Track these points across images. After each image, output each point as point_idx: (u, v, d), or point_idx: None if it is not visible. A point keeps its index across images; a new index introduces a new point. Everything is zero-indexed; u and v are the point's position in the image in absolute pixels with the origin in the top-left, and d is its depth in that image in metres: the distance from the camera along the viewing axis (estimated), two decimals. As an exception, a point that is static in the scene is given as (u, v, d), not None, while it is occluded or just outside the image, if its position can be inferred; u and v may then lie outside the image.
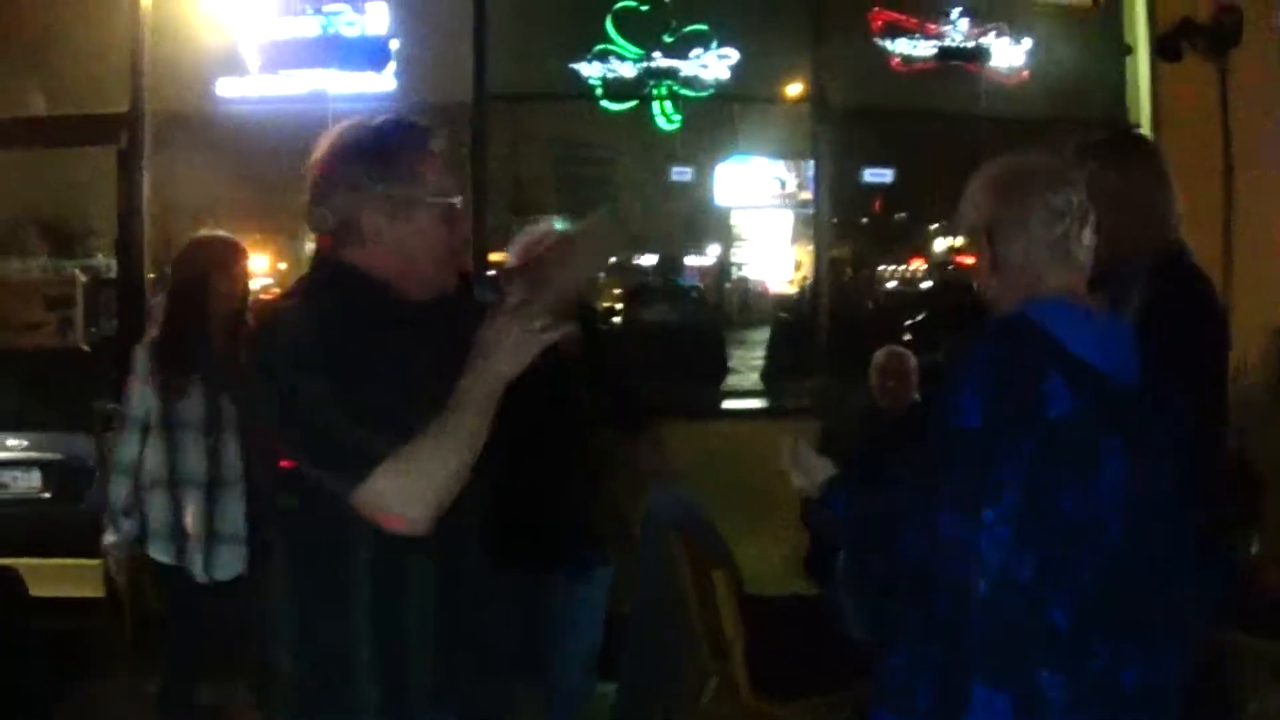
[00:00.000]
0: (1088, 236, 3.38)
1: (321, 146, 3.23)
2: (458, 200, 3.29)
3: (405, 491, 2.95)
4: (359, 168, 3.16)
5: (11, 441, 8.66)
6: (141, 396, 5.76)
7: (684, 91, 10.09)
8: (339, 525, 3.08)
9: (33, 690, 6.05)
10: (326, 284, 3.24)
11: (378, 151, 3.19)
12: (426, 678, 3.24)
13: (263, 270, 18.36)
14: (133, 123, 9.03)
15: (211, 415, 5.71)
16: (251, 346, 3.27)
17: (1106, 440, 3.20)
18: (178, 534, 5.73)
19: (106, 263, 10.58)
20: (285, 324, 3.17)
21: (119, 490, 5.77)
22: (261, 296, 16.65)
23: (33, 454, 9.02)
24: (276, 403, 3.07)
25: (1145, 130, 9.89)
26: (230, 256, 5.82)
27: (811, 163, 10.85)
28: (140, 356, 5.81)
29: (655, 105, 10.18)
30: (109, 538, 5.80)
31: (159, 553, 5.76)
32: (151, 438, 5.76)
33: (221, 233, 6.00)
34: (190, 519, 5.70)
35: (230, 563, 5.74)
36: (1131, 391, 3.28)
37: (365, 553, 3.12)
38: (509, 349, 2.97)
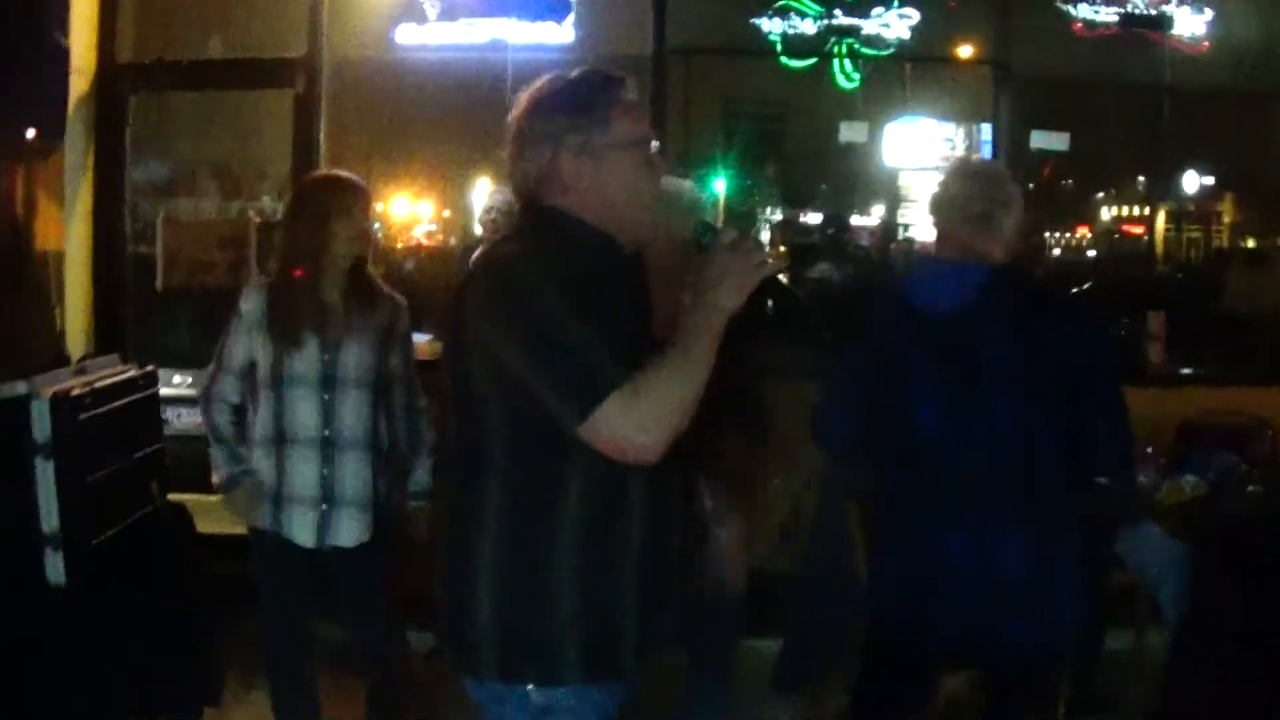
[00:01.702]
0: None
1: (521, 100, 3.30)
2: (655, 146, 3.34)
3: (638, 417, 2.97)
4: (558, 118, 3.24)
5: (177, 379, 8.70)
6: (248, 345, 5.37)
7: (864, 50, 9.96)
8: (553, 469, 3.12)
9: (199, 626, 6.07)
10: (543, 225, 3.28)
11: (575, 101, 3.26)
12: (630, 635, 3.23)
13: (429, 217, 18.50)
14: (310, 68, 9.06)
15: (327, 370, 5.32)
16: (473, 289, 3.23)
17: (912, 352, 4.38)
18: (280, 498, 5.37)
19: (275, 206, 10.62)
20: (514, 262, 3.19)
21: (225, 419, 5.47)
22: (423, 242, 16.93)
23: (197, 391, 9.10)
24: (505, 333, 3.08)
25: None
26: (353, 199, 5.37)
27: (987, 126, 10.68)
28: (248, 302, 5.40)
29: (835, 63, 10.06)
30: (222, 473, 5.46)
31: (257, 519, 5.43)
32: (259, 393, 5.40)
33: (344, 173, 5.60)
34: (299, 482, 5.35)
35: (350, 529, 5.38)
36: (942, 320, 4.35)
37: (576, 502, 3.13)
38: (731, 282, 3.05)
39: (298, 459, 5.33)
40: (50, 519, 5.31)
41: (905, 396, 4.40)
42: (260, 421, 5.40)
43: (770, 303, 5.02)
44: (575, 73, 3.33)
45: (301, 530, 5.36)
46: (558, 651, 3.16)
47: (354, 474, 5.37)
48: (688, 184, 5.20)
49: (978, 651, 4.41)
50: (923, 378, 4.38)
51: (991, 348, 4.32)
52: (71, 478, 5.34)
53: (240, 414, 5.50)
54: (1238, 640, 5.47)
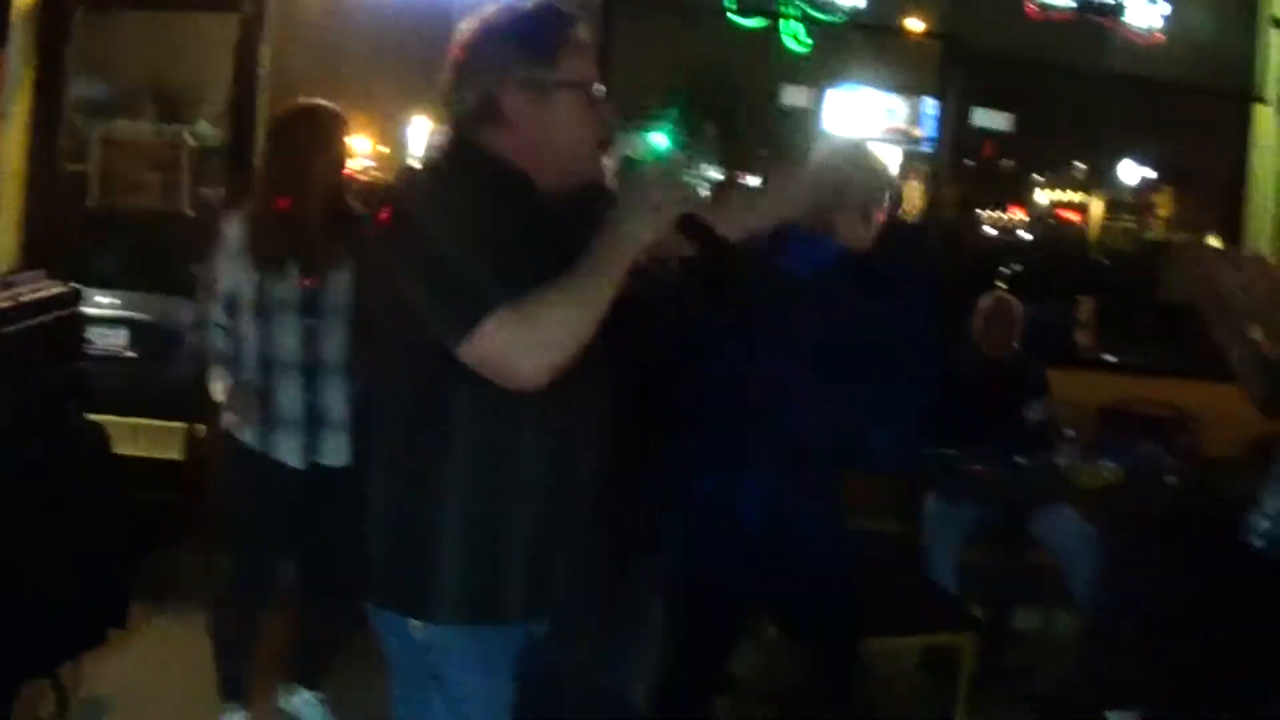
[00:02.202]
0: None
1: (465, 29, 3.23)
2: (600, 88, 3.26)
3: (518, 340, 2.90)
4: (502, 49, 3.17)
5: (101, 299, 8.64)
6: (231, 272, 5.48)
7: (816, 14, 9.93)
8: (439, 397, 3.07)
9: (109, 548, 6.02)
10: (465, 163, 3.23)
11: (521, 34, 3.19)
12: (518, 578, 3.19)
13: (364, 152, 18.42)
14: (258, -8, 8.95)
15: (309, 297, 5.44)
16: (383, 210, 3.19)
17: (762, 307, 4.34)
18: (266, 420, 5.49)
19: (211, 131, 10.55)
20: (421, 187, 3.22)
21: (222, 342, 5.53)
22: (359, 177, 16.87)
23: (122, 313, 9.02)
24: (402, 254, 3.04)
25: (1272, 106, 9.74)
26: (331, 128, 5.50)
27: (931, 100, 10.69)
28: (234, 229, 5.49)
29: (784, 25, 10.03)
30: (220, 384, 5.54)
31: (246, 437, 5.52)
32: (242, 320, 5.50)
33: (321, 101, 5.63)
34: (285, 405, 5.47)
35: (335, 449, 5.50)
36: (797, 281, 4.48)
37: (466, 429, 3.09)
38: (646, 209, 3.00)
39: (282, 383, 5.47)
40: (-35, 436, 5.26)
41: None
42: (245, 346, 5.50)
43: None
44: (527, 5, 3.25)
45: (289, 451, 5.49)
46: (438, 588, 3.13)
47: (338, 397, 5.50)
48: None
49: None
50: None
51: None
52: (-10, 392, 5.29)
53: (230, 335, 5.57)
54: (1145, 626, 5.52)
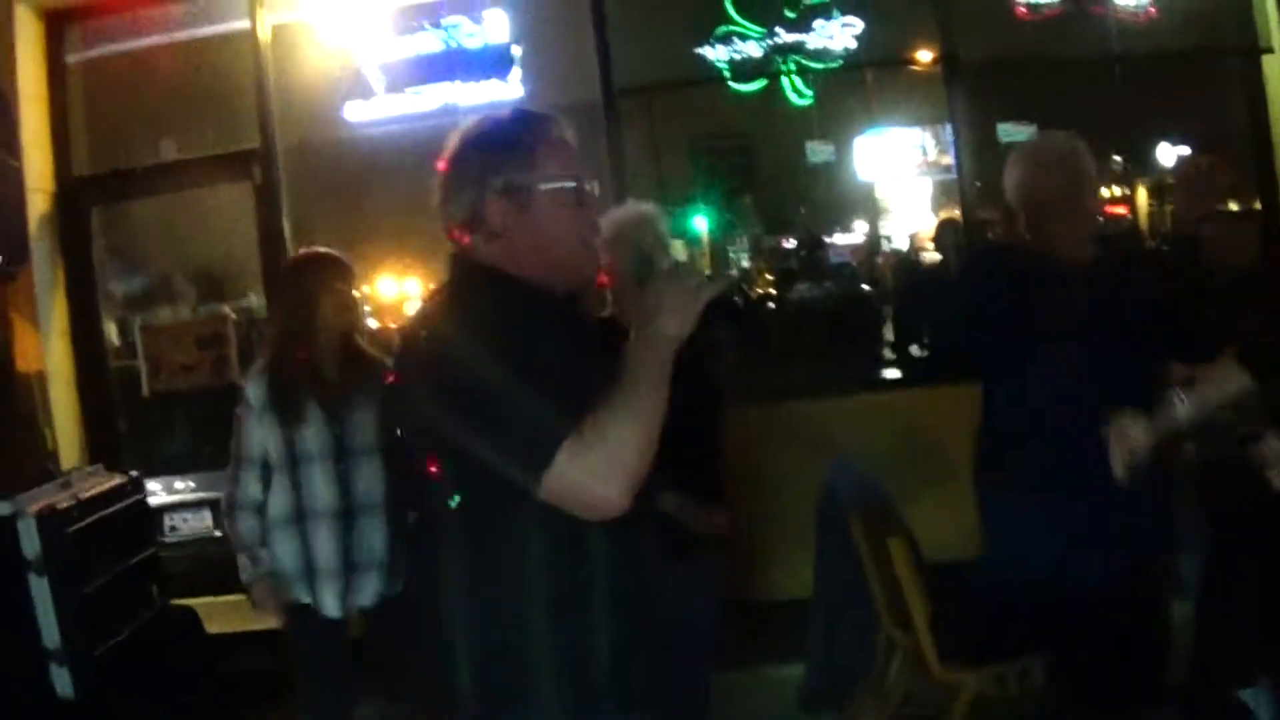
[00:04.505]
0: None
1: (448, 145, 3.22)
2: (581, 184, 3.22)
3: (596, 469, 2.85)
4: (481, 158, 3.15)
5: (179, 484, 8.72)
6: (257, 432, 5.42)
7: (812, 65, 9.96)
8: (511, 524, 3.03)
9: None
10: (468, 282, 3.21)
11: (499, 141, 3.17)
12: (610, 677, 3.15)
13: (418, 294, 18.52)
14: (265, 157, 9.08)
15: (336, 443, 5.41)
16: (404, 350, 3.23)
17: None
18: (309, 573, 5.45)
19: (250, 302, 10.66)
20: (440, 321, 3.15)
21: (249, 525, 5.46)
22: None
23: (201, 494, 9.10)
24: (447, 400, 2.99)
25: (1278, 54, 9.66)
26: (336, 273, 5.48)
27: (948, 126, 10.67)
28: (252, 389, 5.44)
29: (785, 81, 10.07)
30: (248, 575, 5.47)
31: (297, 593, 5.45)
32: (275, 476, 5.43)
33: (324, 249, 5.66)
34: (323, 554, 5.42)
35: (371, 589, 5.46)
36: None
37: (540, 549, 3.05)
38: (673, 308, 2.95)
39: (320, 532, 5.40)
40: (51, 634, 5.32)
41: None
42: (277, 503, 5.44)
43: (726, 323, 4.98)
44: (502, 112, 3.27)
45: (330, 600, 5.42)
46: (535, 701, 3.10)
47: (373, 538, 5.44)
48: (644, 205, 5.23)
49: None
50: None
51: None
52: (66, 591, 5.35)
53: (262, 513, 5.49)
54: (1258, 608, 5.45)
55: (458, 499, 3.10)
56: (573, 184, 3.20)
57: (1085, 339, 4.60)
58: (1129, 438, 4.03)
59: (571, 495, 2.88)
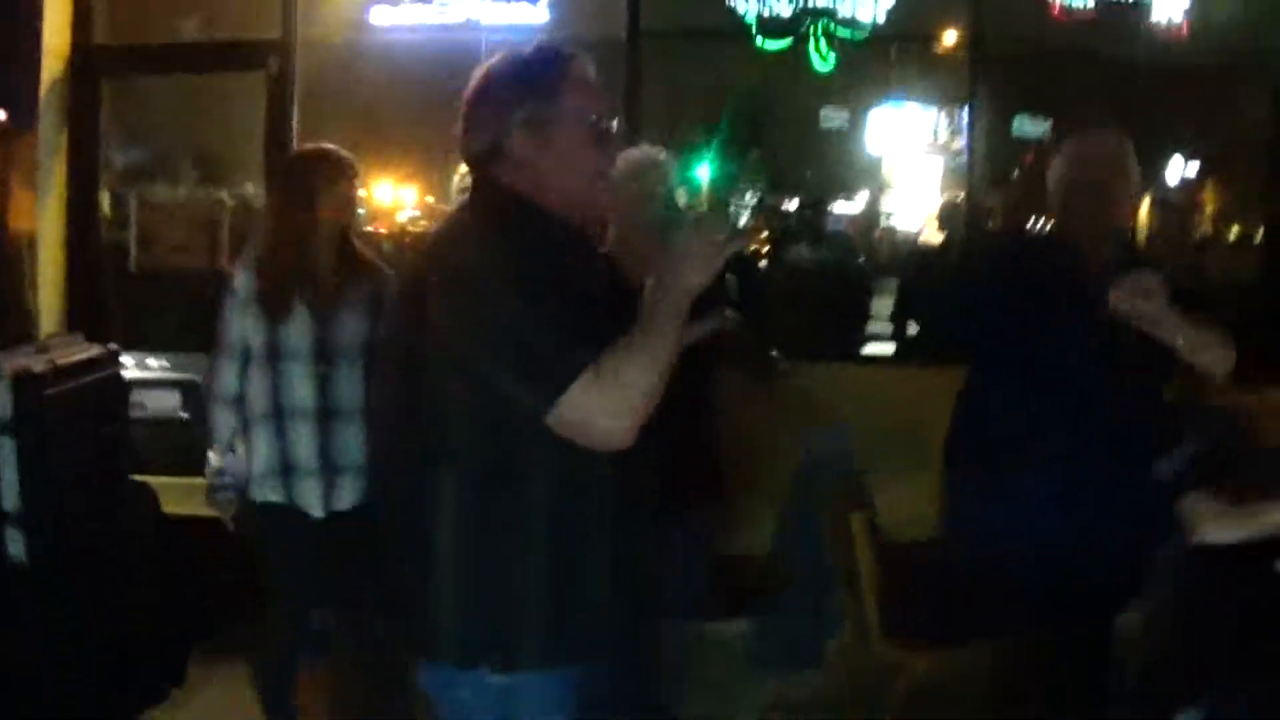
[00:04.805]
0: None
1: (474, 76, 3.30)
2: (601, 120, 3.30)
3: (607, 401, 2.95)
4: (504, 92, 3.25)
5: (151, 361, 8.69)
6: (240, 322, 5.33)
7: (840, 31, 9.94)
8: (516, 459, 3.10)
9: (162, 606, 6.07)
10: (493, 206, 3.28)
11: (524, 76, 3.27)
12: (595, 622, 3.22)
13: (412, 203, 18.51)
14: (284, 49, 9.02)
15: (320, 343, 5.34)
16: (429, 266, 3.25)
17: None
18: (286, 470, 5.38)
19: (249, 191, 10.64)
20: (466, 241, 3.22)
21: (224, 419, 5.43)
22: (409, 229, 16.95)
23: (172, 374, 9.07)
24: (463, 327, 3.06)
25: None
26: (339, 171, 5.39)
27: (965, 110, 10.65)
28: (240, 278, 5.36)
29: (810, 44, 10.05)
30: (212, 473, 5.44)
31: (267, 492, 5.40)
32: (253, 369, 5.36)
33: (329, 146, 5.57)
34: (303, 454, 5.36)
35: (350, 492, 5.41)
36: None
37: (540, 497, 3.12)
38: (695, 259, 2.99)
39: (298, 431, 5.36)
40: (11, 496, 5.31)
41: None
42: (257, 396, 5.38)
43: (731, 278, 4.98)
44: (528, 49, 3.32)
45: (310, 499, 5.39)
46: (519, 638, 3.16)
47: (353, 442, 5.39)
48: (657, 151, 5.24)
49: None
50: None
51: None
52: (32, 455, 5.34)
53: (240, 406, 5.45)
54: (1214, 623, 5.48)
55: (459, 430, 3.15)
56: (593, 120, 3.28)
57: (1095, 340, 4.64)
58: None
59: (579, 424, 2.97)
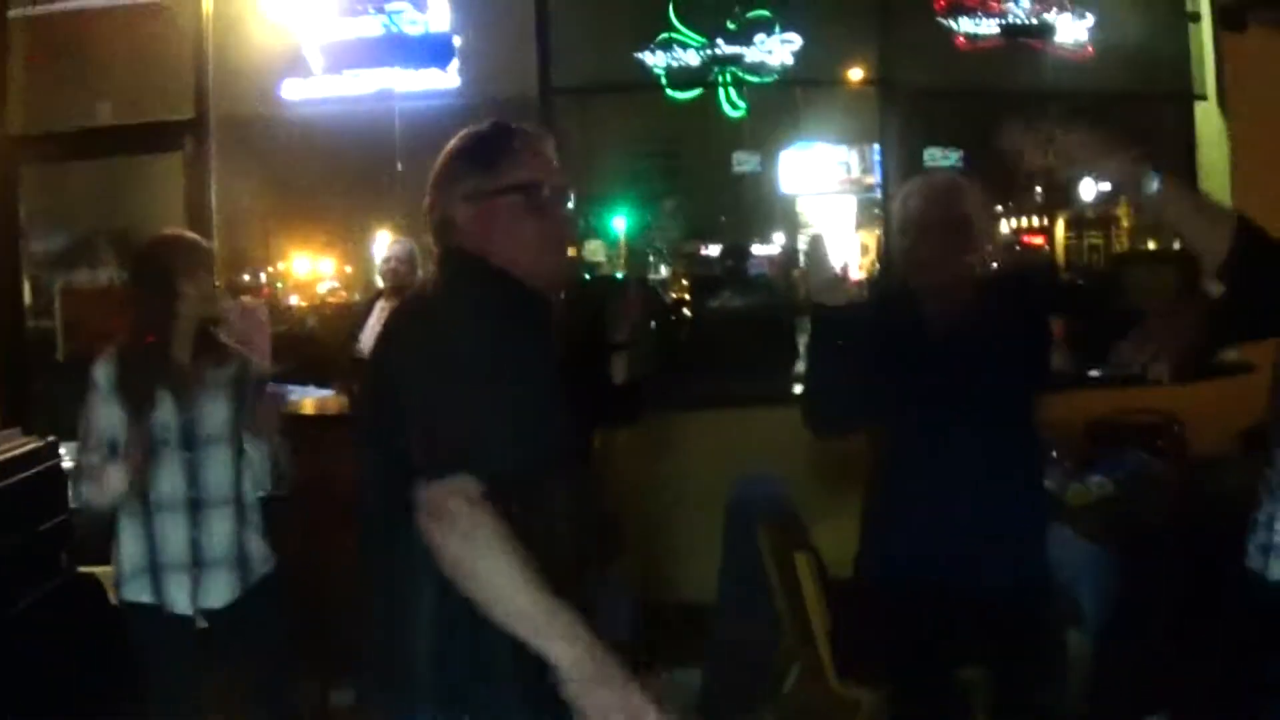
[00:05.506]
0: None
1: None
2: (538, 191, 3.32)
3: (458, 534, 2.86)
4: (453, 168, 3.34)
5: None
6: (107, 415, 5.13)
7: (748, 77, 10.06)
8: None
9: (114, 694, 6.02)
10: (448, 271, 3.33)
11: (465, 151, 3.36)
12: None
13: (330, 274, 18.43)
14: (198, 128, 9.05)
15: (186, 430, 5.15)
16: (395, 330, 3.31)
17: None
18: (155, 567, 5.16)
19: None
20: (423, 307, 3.32)
21: (88, 489, 5.15)
22: (328, 299, 16.87)
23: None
24: (415, 368, 3.06)
25: (1211, 102, 9.84)
26: (197, 258, 5.22)
27: (876, 146, 10.78)
28: (103, 370, 5.16)
29: (720, 92, 10.16)
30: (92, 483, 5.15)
31: (135, 592, 5.20)
32: (119, 462, 5.10)
33: (186, 232, 5.47)
34: (171, 548, 5.16)
35: (221, 589, 5.22)
36: None
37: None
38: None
39: (167, 524, 5.17)
40: (-48, 599, 5.28)
41: None
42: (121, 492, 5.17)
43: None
44: (482, 125, 3.41)
45: (178, 597, 5.20)
46: (502, 689, 3.15)
47: (222, 532, 5.24)
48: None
49: None
50: None
51: None
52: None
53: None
54: (1160, 640, 5.54)
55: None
56: (535, 189, 3.31)
57: (956, 375, 4.78)
58: None
59: (431, 514, 2.89)
